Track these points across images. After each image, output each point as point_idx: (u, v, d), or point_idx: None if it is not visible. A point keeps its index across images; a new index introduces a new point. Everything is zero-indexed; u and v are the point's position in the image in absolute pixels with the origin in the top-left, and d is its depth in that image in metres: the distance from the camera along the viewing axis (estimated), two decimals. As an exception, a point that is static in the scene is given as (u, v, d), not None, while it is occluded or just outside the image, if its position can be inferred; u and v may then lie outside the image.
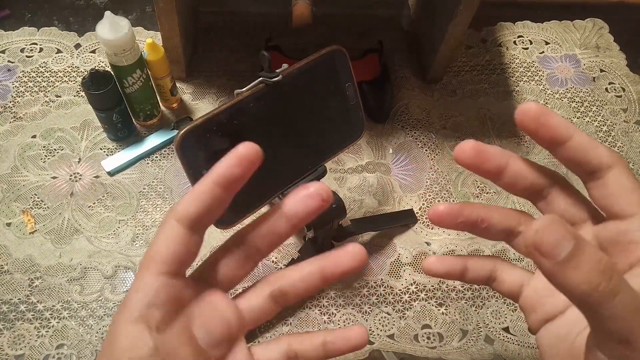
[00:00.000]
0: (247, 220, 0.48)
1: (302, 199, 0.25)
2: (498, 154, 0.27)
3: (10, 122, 0.63)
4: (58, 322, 0.51)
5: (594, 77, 0.75)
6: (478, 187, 0.63)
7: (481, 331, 0.53)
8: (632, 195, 0.24)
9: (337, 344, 0.27)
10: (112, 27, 0.51)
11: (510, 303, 0.55)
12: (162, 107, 0.66)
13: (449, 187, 0.63)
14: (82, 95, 0.66)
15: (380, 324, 0.53)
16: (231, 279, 0.27)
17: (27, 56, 0.69)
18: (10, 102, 0.65)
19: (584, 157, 0.24)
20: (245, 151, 0.23)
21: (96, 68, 0.57)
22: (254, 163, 0.24)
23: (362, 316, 0.53)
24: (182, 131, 0.38)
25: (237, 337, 0.27)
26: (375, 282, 0.56)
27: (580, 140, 0.24)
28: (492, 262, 0.31)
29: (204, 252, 0.56)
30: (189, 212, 0.24)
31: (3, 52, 0.70)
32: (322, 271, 0.27)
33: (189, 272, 0.26)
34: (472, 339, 0.53)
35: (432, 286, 0.56)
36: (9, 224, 0.56)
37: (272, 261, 0.56)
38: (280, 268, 0.54)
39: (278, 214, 0.26)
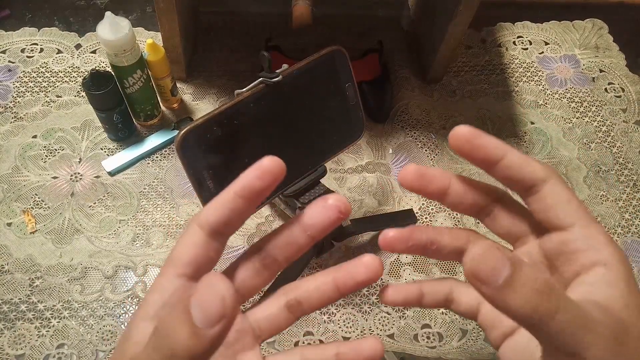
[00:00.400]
0: (247, 220, 0.49)
1: (320, 210, 0.25)
2: (439, 175, 0.27)
3: (11, 122, 0.63)
4: (58, 322, 0.51)
5: (594, 78, 0.75)
6: (478, 187, 0.63)
7: (481, 331, 0.53)
8: (569, 206, 0.25)
9: (350, 355, 0.27)
10: (112, 28, 0.52)
11: (509, 303, 0.55)
12: (163, 107, 0.66)
13: (449, 187, 0.63)
14: (82, 96, 0.66)
15: (380, 323, 0.53)
16: (248, 288, 0.27)
17: (27, 56, 0.70)
18: (11, 102, 0.65)
19: (519, 173, 0.25)
20: (268, 164, 0.24)
21: (97, 68, 0.57)
22: (277, 177, 0.24)
23: (362, 316, 0.53)
24: (183, 131, 0.38)
25: (246, 348, 0.27)
26: (375, 282, 0.56)
27: (513, 158, 0.25)
28: (448, 284, 0.32)
29: (204, 252, 0.56)
30: (209, 220, 0.24)
31: (4, 52, 0.70)
32: (336, 282, 0.27)
33: None
34: (472, 339, 0.53)
35: (432, 286, 0.56)
36: (9, 224, 0.56)
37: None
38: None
39: (296, 225, 0.26)
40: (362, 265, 0.26)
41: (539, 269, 0.22)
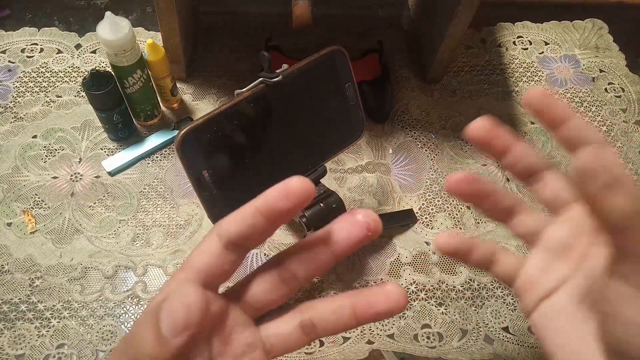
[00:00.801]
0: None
1: (347, 226, 0.24)
2: (505, 134, 0.29)
3: (11, 122, 0.63)
4: (58, 322, 0.51)
5: (594, 78, 0.75)
6: (478, 187, 0.63)
7: (481, 331, 0.53)
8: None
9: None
10: (112, 28, 0.52)
11: (509, 303, 0.55)
12: (163, 107, 0.66)
13: (449, 187, 0.63)
14: (82, 96, 0.66)
15: (380, 323, 0.53)
16: (262, 302, 0.26)
17: (27, 56, 0.70)
18: (11, 102, 0.65)
19: (581, 136, 0.26)
20: (296, 185, 0.22)
21: (97, 68, 0.57)
22: (304, 200, 0.22)
23: (362, 316, 0.53)
24: (183, 131, 0.38)
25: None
26: (375, 282, 0.56)
27: (577, 122, 0.26)
28: (492, 246, 0.33)
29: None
30: (228, 231, 0.24)
31: (4, 52, 0.70)
32: (354, 308, 0.26)
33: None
34: (472, 339, 0.53)
35: (432, 286, 0.56)
36: (9, 224, 0.56)
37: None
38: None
39: (320, 241, 0.25)
40: (384, 294, 0.25)
41: None
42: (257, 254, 0.56)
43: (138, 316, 0.24)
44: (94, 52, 0.71)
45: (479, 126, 0.29)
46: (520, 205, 0.32)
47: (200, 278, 0.24)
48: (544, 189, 0.31)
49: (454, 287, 0.56)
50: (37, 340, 0.50)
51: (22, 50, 0.70)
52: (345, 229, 0.24)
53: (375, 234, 0.24)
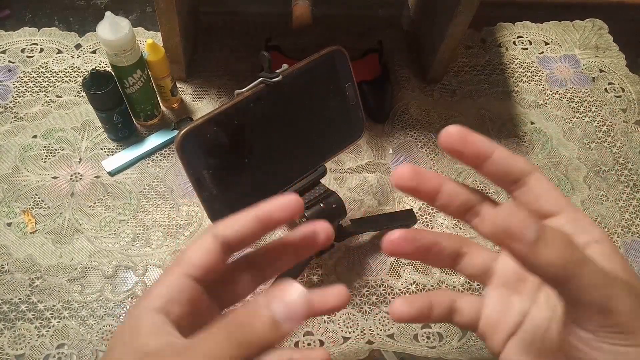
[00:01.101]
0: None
1: (302, 234, 0.27)
2: (432, 176, 0.28)
3: (11, 122, 0.63)
4: (58, 322, 0.51)
5: (594, 78, 0.75)
6: (478, 187, 0.63)
7: (481, 331, 0.53)
8: (554, 195, 0.26)
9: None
10: (112, 28, 0.52)
11: (509, 303, 0.55)
12: (163, 107, 0.66)
13: (449, 187, 0.63)
14: (82, 96, 0.66)
15: (380, 323, 0.53)
16: (234, 299, 0.29)
17: (27, 56, 0.70)
18: (11, 102, 0.65)
19: (507, 168, 0.26)
20: (291, 201, 0.26)
21: (97, 68, 0.57)
22: (293, 214, 0.26)
23: (362, 316, 0.53)
24: (183, 131, 0.38)
25: None
26: (375, 282, 0.56)
27: (502, 154, 0.26)
28: (449, 296, 0.32)
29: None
30: (226, 233, 0.26)
31: (4, 52, 0.70)
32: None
33: None
34: (472, 339, 0.53)
35: (432, 286, 0.56)
36: (9, 224, 0.56)
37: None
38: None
39: (286, 244, 0.28)
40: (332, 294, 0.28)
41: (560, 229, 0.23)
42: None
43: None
44: (94, 52, 0.71)
45: (402, 174, 0.27)
46: (465, 246, 0.31)
47: (198, 274, 0.26)
48: (482, 224, 0.28)
49: (454, 287, 0.56)
50: (37, 340, 0.50)
51: (22, 50, 0.70)
52: (301, 237, 0.28)
53: (325, 243, 0.28)
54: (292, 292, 0.23)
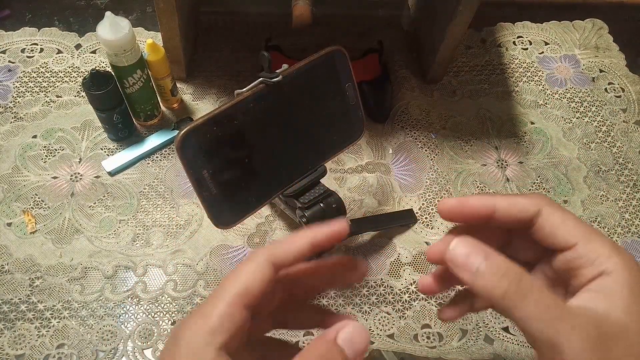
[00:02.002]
0: (247, 220, 0.49)
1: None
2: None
3: (11, 122, 0.63)
4: (58, 322, 0.51)
5: (594, 78, 0.75)
6: (477, 187, 0.63)
7: (481, 331, 0.53)
8: (566, 228, 0.26)
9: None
10: (112, 28, 0.52)
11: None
12: (163, 107, 0.66)
13: (449, 187, 0.63)
14: (82, 96, 0.66)
15: (380, 323, 0.53)
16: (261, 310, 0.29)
17: (27, 56, 0.70)
18: (11, 102, 0.65)
19: (512, 218, 0.27)
20: (340, 229, 0.27)
21: (97, 68, 0.57)
22: (340, 240, 0.27)
23: (362, 316, 0.53)
24: (183, 131, 0.38)
25: None
26: (375, 282, 0.56)
27: (503, 206, 0.27)
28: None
29: (205, 252, 0.56)
30: (280, 258, 0.26)
31: (4, 52, 0.70)
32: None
33: None
34: (472, 339, 0.53)
35: (432, 286, 0.56)
36: (9, 224, 0.56)
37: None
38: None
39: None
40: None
41: (510, 261, 0.24)
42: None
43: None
44: (94, 52, 0.71)
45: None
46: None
47: (253, 303, 0.25)
48: (514, 252, 0.31)
49: (454, 287, 0.56)
50: (37, 340, 0.50)
51: (22, 50, 0.70)
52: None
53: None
54: (359, 332, 0.24)
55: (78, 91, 0.67)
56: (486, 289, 0.23)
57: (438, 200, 0.62)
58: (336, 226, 0.27)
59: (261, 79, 0.41)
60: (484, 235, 0.29)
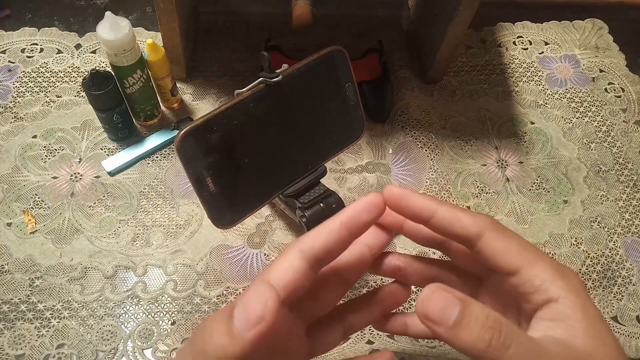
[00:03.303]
0: (247, 220, 0.49)
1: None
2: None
3: (11, 122, 0.63)
4: (58, 322, 0.51)
5: (594, 78, 0.75)
6: (477, 187, 0.63)
7: (481, 331, 0.53)
8: (508, 254, 0.25)
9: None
10: (112, 28, 0.52)
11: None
12: (163, 107, 0.66)
13: (449, 187, 0.63)
14: (82, 96, 0.66)
15: (380, 323, 0.53)
16: (318, 309, 0.28)
17: (27, 56, 0.70)
18: (11, 102, 0.65)
19: (450, 231, 0.26)
20: (374, 199, 0.25)
21: (97, 68, 0.57)
22: (381, 211, 0.25)
23: (362, 316, 0.53)
24: (183, 131, 0.38)
25: None
26: (375, 282, 0.56)
27: (443, 216, 0.26)
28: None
29: (205, 252, 0.56)
30: (314, 247, 0.24)
31: (4, 52, 0.70)
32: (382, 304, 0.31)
33: None
34: (472, 339, 0.53)
35: (432, 286, 0.56)
36: (9, 224, 0.56)
37: (272, 260, 0.56)
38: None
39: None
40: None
41: (487, 307, 0.22)
42: (257, 254, 0.56)
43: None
44: (94, 52, 0.71)
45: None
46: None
47: (285, 296, 0.24)
48: (456, 260, 0.30)
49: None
50: (37, 340, 0.50)
51: (22, 50, 0.70)
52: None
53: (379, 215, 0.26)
54: (254, 294, 0.21)
55: (78, 91, 0.67)
56: (467, 344, 0.21)
57: (438, 200, 0.62)
58: (367, 198, 0.25)
59: (261, 79, 0.41)
60: (421, 232, 0.29)
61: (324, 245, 0.24)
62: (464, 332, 0.21)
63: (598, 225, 0.62)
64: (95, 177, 0.60)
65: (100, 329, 0.51)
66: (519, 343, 0.21)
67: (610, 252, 0.60)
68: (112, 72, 0.56)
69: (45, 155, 0.61)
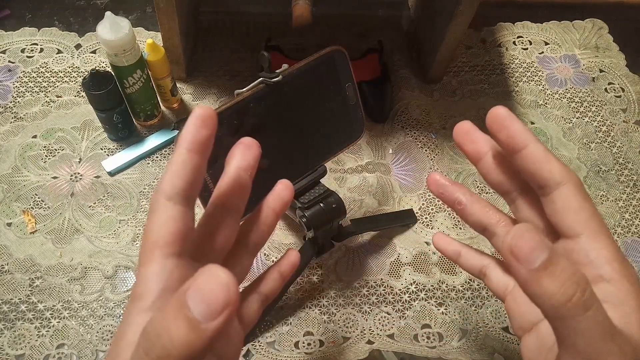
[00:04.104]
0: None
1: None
2: (482, 140, 0.29)
3: (11, 122, 0.63)
4: (58, 322, 0.51)
5: (594, 78, 0.75)
6: (477, 187, 0.63)
7: (481, 331, 0.53)
8: (578, 215, 0.24)
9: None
10: (112, 28, 0.52)
11: (509, 303, 0.55)
12: (163, 107, 0.66)
13: (449, 187, 0.63)
14: (82, 96, 0.66)
15: (380, 323, 0.53)
16: (220, 250, 0.27)
17: (27, 56, 0.70)
18: (11, 102, 0.65)
19: (535, 169, 0.25)
20: (202, 111, 0.23)
21: (97, 68, 0.57)
22: (214, 120, 0.23)
23: (362, 316, 0.53)
24: (183, 131, 0.38)
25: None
26: (375, 282, 0.56)
27: (535, 152, 0.25)
28: (484, 260, 0.33)
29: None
30: (177, 187, 0.23)
31: (4, 52, 0.70)
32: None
33: None
34: (472, 339, 0.53)
35: (432, 286, 0.56)
36: (9, 224, 0.56)
37: (272, 260, 0.56)
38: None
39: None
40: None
41: (575, 265, 0.20)
42: (258, 254, 0.56)
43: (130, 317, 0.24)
44: (94, 52, 0.71)
45: (460, 129, 0.29)
46: (501, 223, 0.30)
47: (178, 249, 0.23)
48: (516, 213, 0.30)
49: (454, 287, 0.56)
50: (37, 340, 0.50)
51: (22, 50, 0.70)
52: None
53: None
54: (210, 281, 0.18)
55: (78, 91, 0.67)
56: (548, 292, 0.19)
57: (438, 201, 0.62)
58: (198, 113, 0.23)
59: (261, 79, 0.41)
60: (495, 174, 0.28)
61: (185, 180, 0.23)
62: (547, 279, 0.19)
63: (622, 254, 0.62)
64: (95, 177, 0.60)
65: (100, 329, 0.51)
66: (598, 309, 0.20)
67: (610, 252, 0.60)
68: (112, 72, 0.56)
69: (45, 155, 0.61)
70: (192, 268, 0.24)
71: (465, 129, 0.28)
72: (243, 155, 0.27)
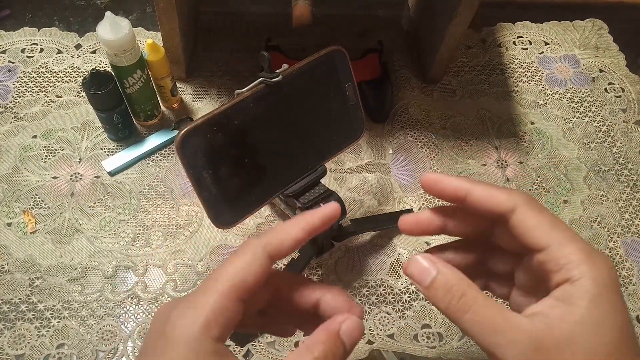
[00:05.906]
0: (247, 220, 0.49)
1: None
2: (431, 217, 0.31)
3: (11, 122, 0.63)
4: (58, 322, 0.51)
5: (594, 78, 0.75)
6: (478, 187, 0.63)
7: (481, 331, 0.53)
8: (538, 231, 0.26)
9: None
10: (112, 28, 0.52)
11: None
12: (163, 107, 0.66)
13: (449, 187, 0.63)
14: (82, 96, 0.66)
15: (380, 323, 0.53)
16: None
17: (27, 56, 0.70)
18: (11, 102, 0.65)
19: (485, 208, 0.28)
20: (331, 211, 0.28)
21: (97, 68, 0.57)
22: (334, 221, 0.28)
23: (362, 316, 0.53)
24: (183, 131, 0.38)
25: None
26: (375, 282, 0.56)
27: (477, 194, 0.28)
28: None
29: (205, 252, 0.56)
30: (280, 251, 0.26)
31: (4, 52, 0.70)
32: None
33: None
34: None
35: (432, 286, 0.56)
36: (9, 224, 0.56)
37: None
38: (280, 268, 0.54)
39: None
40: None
41: (465, 279, 0.26)
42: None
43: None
44: (94, 52, 0.71)
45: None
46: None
47: (247, 297, 0.25)
48: (500, 242, 0.31)
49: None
50: (37, 340, 0.50)
51: (22, 50, 0.70)
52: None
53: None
54: (355, 326, 0.27)
55: (78, 91, 0.67)
56: (435, 301, 0.26)
57: (438, 200, 0.62)
58: (328, 208, 0.28)
59: (261, 79, 0.41)
60: (466, 217, 0.30)
61: (287, 250, 0.27)
62: (432, 292, 0.26)
63: (598, 225, 0.62)
64: (95, 177, 0.60)
65: (100, 329, 0.51)
66: (475, 312, 0.25)
67: (610, 252, 0.60)
68: (112, 72, 0.56)
69: (45, 155, 0.61)
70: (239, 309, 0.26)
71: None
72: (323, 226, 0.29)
